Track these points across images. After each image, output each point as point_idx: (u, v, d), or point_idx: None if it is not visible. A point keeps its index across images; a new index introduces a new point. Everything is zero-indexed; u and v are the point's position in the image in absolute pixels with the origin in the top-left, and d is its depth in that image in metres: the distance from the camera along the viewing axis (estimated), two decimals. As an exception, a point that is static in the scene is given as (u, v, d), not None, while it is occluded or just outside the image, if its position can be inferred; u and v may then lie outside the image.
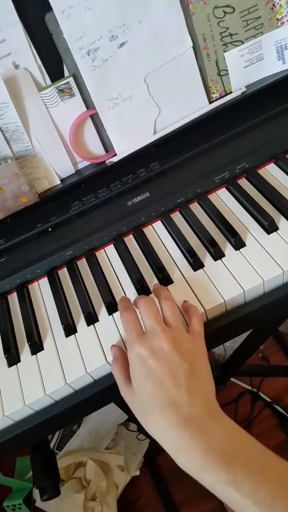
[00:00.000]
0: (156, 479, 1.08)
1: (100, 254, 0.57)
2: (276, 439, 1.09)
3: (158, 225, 0.57)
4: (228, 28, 0.54)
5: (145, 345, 0.39)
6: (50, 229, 0.58)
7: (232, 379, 1.14)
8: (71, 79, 0.52)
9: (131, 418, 1.12)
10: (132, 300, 0.47)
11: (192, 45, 0.53)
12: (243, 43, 0.55)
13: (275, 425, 1.11)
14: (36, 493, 1.12)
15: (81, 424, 1.16)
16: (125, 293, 0.51)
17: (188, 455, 0.35)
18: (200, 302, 0.47)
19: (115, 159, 0.56)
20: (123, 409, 1.14)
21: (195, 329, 0.42)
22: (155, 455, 1.11)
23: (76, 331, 0.49)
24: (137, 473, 1.08)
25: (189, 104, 0.56)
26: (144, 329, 0.42)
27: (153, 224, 0.57)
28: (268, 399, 1.13)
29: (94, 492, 1.01)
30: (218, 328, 0.47)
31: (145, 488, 1.08)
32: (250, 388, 1.14)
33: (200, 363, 0.40)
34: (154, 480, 1.09)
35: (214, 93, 0.57)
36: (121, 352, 0.44)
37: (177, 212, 0.56)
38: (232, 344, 1.16)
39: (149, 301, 0.43)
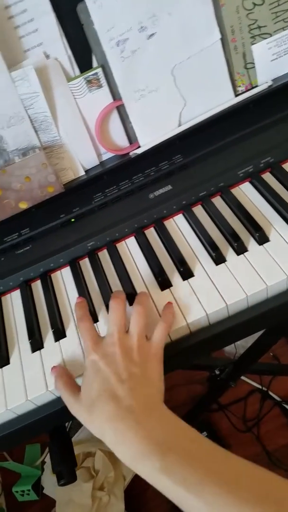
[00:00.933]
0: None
1: (121, 246, 0.57)
2: (285, 438, 1.09)
3: (180, 218, 0.57)
4: (256, 20, 0.53)
5: (99, 351, 0.42)
6: (73, 220, 0.58)
7: (242, 377, 1.14)
8: (99, 70, 0.52)
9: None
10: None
11: (220, 37, 0.53)
12: (271, 35, 0.55)
13: (283, 424, 1.11)
14: (44, 480, 1.14)
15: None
16: (145, 285, 0.51)
17: (124, 446, 0.36)
18: (221, 296, 0.47)
19: (139, 151, 0.56)
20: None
21: (155, 339, 0.43)
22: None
23: (98, 320, 0.50)
24: (145, 465, 1.09)
25: (215, 97, 0.56)
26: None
27: (174, 217, 0.57)
28: (277, 398, 1.13)
29: (102, 482, 1.02)
30: (239, 324, 0.47)
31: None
32: (259, 386, 1.14)
33: (150, 370, 0.41)
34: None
35: (240, 86, 0.57)
36: (63, 370, 0.45)
37: (199, 205, 0.57)
38: (243, 342, 1.16)
39: (117, 306, 0.45)
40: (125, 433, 0.36)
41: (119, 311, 0.44)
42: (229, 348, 1.17)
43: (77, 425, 1.15)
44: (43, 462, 1.16)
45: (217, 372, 0.87)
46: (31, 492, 1.11)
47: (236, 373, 0.84)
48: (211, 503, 0.32)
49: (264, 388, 1.13)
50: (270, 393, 1.13)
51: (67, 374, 0.45)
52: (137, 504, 1.06)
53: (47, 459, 1.16)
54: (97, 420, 0.38)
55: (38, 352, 0.50)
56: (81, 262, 0.58)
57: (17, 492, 1.11)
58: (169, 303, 0.47)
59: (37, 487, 1.13)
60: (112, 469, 1.02)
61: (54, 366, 0.47)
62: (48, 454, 1.16)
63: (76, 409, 0.41)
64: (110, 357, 0.41)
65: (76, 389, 0.43)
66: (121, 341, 0.42)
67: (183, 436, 0.37)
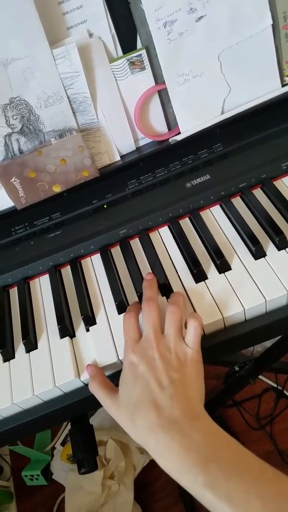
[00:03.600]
0: (173, 465, 1.09)
1: (154, 235, 0.56)
2: (298, 438, 1.08)
3: (217, 210, 0.55)
4: (311, 7, 0.51)
5: (138, 353, 0.41)
6: (105, 206, 0.57)
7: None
8: (143, 52, 0.50)
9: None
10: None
11: (272, 23, 0.51)
12: None
13: (297, 424, 1.10)
14: (53, 466, 1.15)
15: (102, 404, 1.17)
16: (179, 277, 0.50)
17: (167, 457, 0.35)
18: (260, 291, 0.45)
19: (179, 138, 0.55)
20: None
21: (189, 340, 0.42)
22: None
23: (128, 310, 0.49)
24: (155, 457, 1.09)
25: (261, 86, 0.54)
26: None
27: (211, 208, 0.55)
28: (292, 398, 1.12)
29: (113, 471, 1.03)
30: (275, 321, 0.46)
31: (162, 472, 1.07)
32: (275, 385, 1.13)
33: (189, 372, 0.40)
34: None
35: (287, 76, 0.55)
36: (97, 369, 0.45)
37: (238, 197, 0.55)
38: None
39: (151, 308, 0.44)
40: (168, 444, 0.35)
41: (153, 312, 0.43)
42: (246, 345, 1.15)
43: (89, 414, 1.15)
44: (53, 448, 1.17)
45: (236, 368, 0.85)
46: (40, 477, 1.11)
47: (256, 370, 0.83)
48: None
49: (279, 387, 1.12)
50: (285, 392, 1.11)
51: (101, 374, 0.44)
52: (146, 494, 1.06)
53: (57, 445, 1.16)
54: (139, 429, 0.38)
55: (67, 338, 0.49)
56: (112, 249, 0.56)
57: (26, 476, 1.12)
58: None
59: (46, 472, 1.14)
60: (123, 459, 1.03)
61: (88, 365, 0.46)
62: (59, 440, 1.17)
63: (114, 411, 0.41)
64: (149, 361, 0.40)
65: (111, 389, 0.42)
66: (158, 345, 0.41)
67: (227, 448, 0.36)
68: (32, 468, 1.13)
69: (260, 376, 1.14)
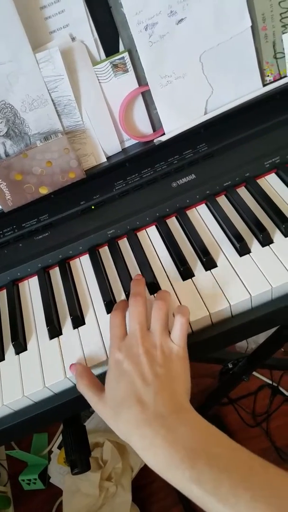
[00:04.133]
0: (170, 465, 1.09)
1: (142, 235, 0.57)
2: (294, 434, 1.08)
3: (203, 208, 0.56)
4: (289, 8, 0.52)
5: (123, 350, 0.41)
6: (93, 207, 0.58)
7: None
8: (126, 54, 0.51)
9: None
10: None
11: (251, 24, 0.52)
12: (303, 24, 0.53)
13: (293, 420, 1.10)
14: (51, 470, 1.15)
15: (98, 406, 1.17)
16: (167, 275, 0.51)
17: (153, 453, 0.35)
18: (245, 287, 0.46)
19: (163, 138, 0.55)
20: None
21: (175, 336, 0.42)
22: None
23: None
24: (152, 457, 1.10)
25: (242, 86, 0.55)
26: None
27: (197, 207, 0.56)
28: (287, 394, 1.13)
29: (110, 473, 1.02)
30: (261, 316, 0.47)
31: (159, 473, 1.09)
32: (270, 382, 1.14)
33: (175, 368, 0.40)
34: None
35: (268, 76, 0.56)
36: (84, 368, 0.45)
37: (223, 195, 0.56)
38: (254, 337, 1.16)
39: (138, 302, 0.44)
40: (153, 440, 0.35)
41: (139, 307, 0.43)
42: (241, 343, 1.16)
43: (85, 416, 1.15)
44: (50, 452, 1.16)
45: (230, 365, 0.86)
46: (38, 481, 1.11)
47: (249, 367, 0.84)
48: None
49: (274, 384, 1.12)
50: (281, 388, 1.12)
51: (88, 372, 0.44)
52: (144, 495, 1.06)
53: (54, 449, 1.16)
54: (123, 425, 0.38)
55: (56, 339, 0.49)
56: (100, 250, 0.57)
57: (23, 480, 1.12)
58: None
59: (44, 476, 1.13)
60: (120, 460, 1.02)
61: (72, 364, 0.45)
62: (56, 444, 1.16)
63: (100, 409, 0.41)
64: (134, 357, 0.40)
65: (98, 387, 0.42)
66: (143, 340, 0.41)
67: (214, 442, 0.35)
68: (29, 472, 1.13)
69: (255, 373, 1.15)
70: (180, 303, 0.47)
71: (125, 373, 0.40)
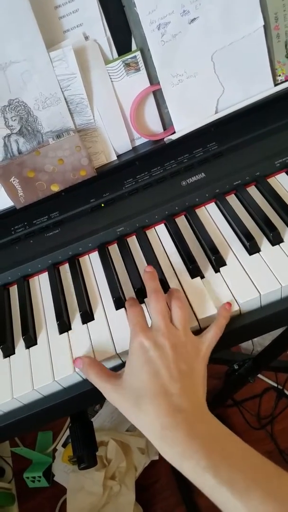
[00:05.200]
0: (174, 465, 1.09)
1: (150, 233, 0.57)
2: (299, 437, 1.08)
3: (212, 207, 0.56)
4: (302, 8, 0.52)
5: (150, 337, 0.41)
6: (103, 205, 0.58)
7: (258, 374, 1.13)
8: (138, 53, 0.52)
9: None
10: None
11: (263, 24, 0.52)
12: (315, 25, 0.53)
13: (298, 423, 1.10)
14: (55, 468, 1.15)
15: (103, 404, 1.18)
16: (175, 273, 0.51)
17: (171, 443, 0.36)
18: (255, 286, 0.46)
19: (174, 137, 0.56)
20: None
21: (207, 337, 0.43)
22: (174, 442, 1.12)
23: (124, 306, 0.50)
24: (156, 457, 1.10)
25: (254, 85, 0.55)
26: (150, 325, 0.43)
27: (206, 206, 0.56)
28: (293, 397, 1.12)
29: (114, 472, 1.03)
30: (269, 315, 0.47)
31: (163, 473, 1.09)
32: (275, 384, 1.13)
33: (198, 368, 0.41)
34: (172, 465, 1.09)
35: (279, 75, 0.56)
36: (91, 358, 0.45)
37: (233, 194, 0.56)
38: (260, 340, 1.15)
39: (159, 298, 0.44)
40: (174, 430, 0.36)
41: (162, 302, 0.43)
42: (246, 345, 1.16)
43: (89, 415, 1.16)
44: (55, 450, 1.17)
45: (235, 367, 0.86)
46: (42, 479, 1.12)
47: (255, 368, 0.84)
48: (254, 511, 0.31)
49: (279, 386, 1.12)
50: (286, 391, 1.12)
51: (97, 362, 0.44)
52: (147, 495, 1.06)
53: (59, 447, 1.17)
54: (144, 414, 0.38)
55: (65, 333, 0.50)
56: (110, 247, 0.57)
57: (28, 478, 1.12)
58: (228, 304, 0.45)
59: (48, 474, 1.14)
60: (124, 459, 1.03)
61: (77, 358, 0.45)
62: (60, 442, 1.17)
63: (115, 396, 0.40)
64: (160, 349, 0.40)
65: (110, 375, 0.42)
66: (170, 335, 0.41)
67: (230, 442, 0.36)
68: (33, 470, 1.14)
69: (260, 376, 1.14)
70: (189, 301, 0.48)
71: (150, 361, 0.39)
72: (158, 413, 0.37)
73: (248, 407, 1.12)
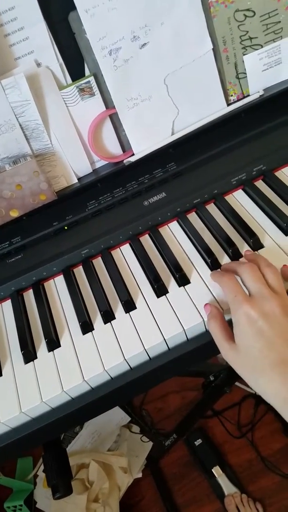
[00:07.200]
0: (158, 482, 1.08)
1: (116, 253, 0.57)
2: (279, 442, 1.09)
3: (174, 225, 0.57)
4: (248, 31, 0.54)
5: (255, 307, 0.40)
6: (66, 228, 0.58)
7: (236, 382, 1.14)
8: (91, 79, 0.52)
9: (134, 420, 1.11)
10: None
11: (212, 47, 0.54)
12: (262, 47, 0.56)
13: (278, 429, 1.11)
14: (37, 494, 1.12)
15: (83, 425, 1.15)
16: (141, 292, 0.51)
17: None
18: (217, 301, 0.47)
19: (132, 159, 0.56)
20: (126, 411, 1.14)
21: None
22: (157, 457, 1.11)
23: (93, 329, 0.49)
24: (140, 475, 1.08)
25: (207, 106, 0.57)
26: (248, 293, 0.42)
27: (169, 224, 0.57)
28: (271, 403, 1.14)
29: (97, 494, 1.01)
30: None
31: (147, 491, 1.08)
32: (253, 392, 1.15)
33: None
34: (156, 482, 1.08)
35: (232, 95, 0.58)
36: (218, 311, 0.45)
37: (193, 212, 0.57)
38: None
39: (254, 266, 0.43)
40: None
41: (258, 272, 0.42)
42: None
43: (70, 437, 1.13)
44: (36, 476, 1.13)
45: (211, 378, 0.86)
46: (24, 507, 1.08)
47: (230, 379, 0.84)
48: None
49: (257, 393, 1.13)
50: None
51: (221, 315, 0.44)
52: (133, 515, 1.04)
53: (40, 473, 1.13)
54: (266, 381, 0.38)
55: (31, 363, 0.49)
56: (75, 270, 0.57)
57: (9, 508, 1.08)
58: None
59: (30, 501, 1.10)
60: (107, 480, 1.01)
61: (207, 304, 0.46)
62: (41, 467, 1.14)
63: (232, 358, 0.41)
64: (270, 316, 0.39)
65: (229, 334, 0.42)
66: (275, 299, 0.40)
67: None
68: (14, 498, 1.10)
69: (238, 384, 1.15)
70: (155, 320, 0.48)
71: (262, 332, 0.39)
72: (283, 381, 0.37)
73: (228, 416, 1.13)
